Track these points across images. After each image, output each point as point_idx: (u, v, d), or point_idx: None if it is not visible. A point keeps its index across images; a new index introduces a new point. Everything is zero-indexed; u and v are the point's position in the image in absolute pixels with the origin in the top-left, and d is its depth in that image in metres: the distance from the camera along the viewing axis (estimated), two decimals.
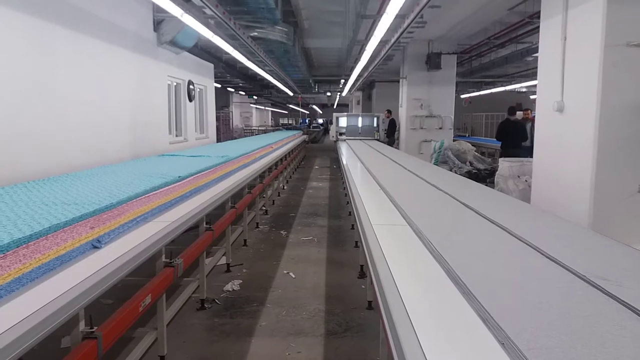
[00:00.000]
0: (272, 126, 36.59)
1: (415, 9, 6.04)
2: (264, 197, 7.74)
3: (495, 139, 10.49)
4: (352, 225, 6.53)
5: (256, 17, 8.31)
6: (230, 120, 26.06)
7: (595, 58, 4.34)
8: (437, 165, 9.84)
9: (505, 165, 6.96)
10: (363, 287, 4.33)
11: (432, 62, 12.42)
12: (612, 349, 1.31)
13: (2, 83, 4.28)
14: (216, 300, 4.07)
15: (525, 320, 1.48)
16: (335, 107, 37.17)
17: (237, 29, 7.07)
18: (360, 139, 13.89)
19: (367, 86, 22.89)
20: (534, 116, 6.86)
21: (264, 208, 7.78)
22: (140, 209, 3.02)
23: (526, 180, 6.43)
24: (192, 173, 4.49)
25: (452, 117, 13.13)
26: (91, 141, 5.80)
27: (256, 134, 23.81)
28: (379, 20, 6.50)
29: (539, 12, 5.62)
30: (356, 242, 5.74)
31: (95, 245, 2.33)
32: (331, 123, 16.38)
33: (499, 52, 13.52)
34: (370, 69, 12.73)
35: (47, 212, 2.57)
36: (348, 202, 6.89)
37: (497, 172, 7.20)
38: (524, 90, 18.41)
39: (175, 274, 2.85)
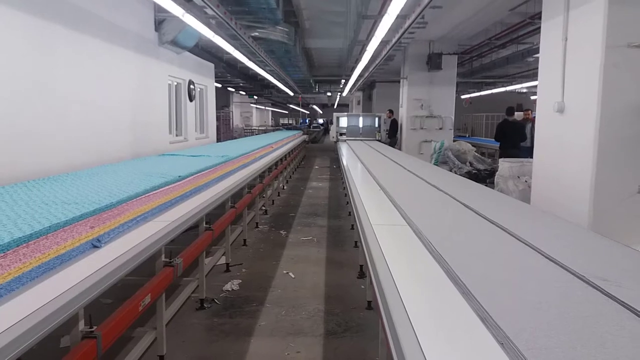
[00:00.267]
0: (272, 126, 36.59)
1: (416, 9, 6.04)
2: (263, 197, 7.74)
3: (494, 140, 10.49)
4: (352, 225, 6.53)
5: (257, 17, 8.31)
6: (231, 120, 26.06)
7: (596, 59, 4.33)
8: (437, 165, 9.84)
9: (505, 165, 6.96)
10: (362, 287, 4.33)
11: (433, 62, 12.42)
12: (611, 349, 1.31)
13: (2, 82, 4.28)
14: (215, 300, 4.07)
15: (525, 320, 1.48)
16: (335, 107, 37.18)
17: (238, 29, 7.07)
18: (361, 140, 13.67)
19: (367, 86, 22.89)
20: (535, 117, 6.85)
21: (263, 208, 7.78)
22: (140, 209, 3.02)
23: (526, 181, 6.43)
24: (192, 173, 4.49)
25: (453, 118, 13.13)
26: (91, 141, 5.80)
27: (256, 134, 23.82)
28: (380, 21, 6.50)
29: (540, 13, 5.63)
30: (356, 242, 5.74)
31: (95, 244, 2.33)
32: (331, 123, 16.12)
33: (500, 52, 13.52)
34: (371, 69, 12.73)
35: (47, 212, 2.58)
36: (348, 202, 6.89)
37: (497, 173, 7.20)
38: (524, 90, 18.40)
39: (174, 274, 2.85)
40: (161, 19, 7.80)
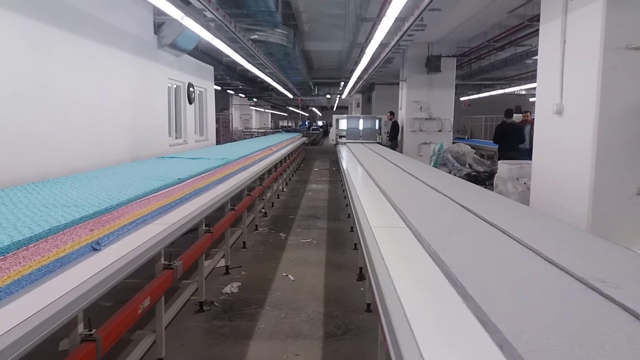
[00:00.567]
0: (271, 128, 36.62)
1: (415, 12, 6.06)
2: (263, 199, 7.74)
3: (492, 142, 10.51)
4: (352, 227, 6.53)
5: (256, 20, 8.33)
6: (230, 123, 26.07)
7: (595, 61, 4.35)
8: (436, 167, 9.84)
9: (504, 167, 6.97)
10: (362, 289, 4.33)
11: (432, 64, 12.44)
12: (610, 351, 1.32)
13: (2, 85, 4.28)
14: (215, 303, 4.07)
15: (524, 322, 1.48)
16: (334, 109, 37.23)
17: (238, 31, 7.08)
18: (361, 142, 13.41)
19: (366, 89, 22.93)
20: (533, 119, 6.87)
21: (263, 210, 7.78)
22: (139, 211, 3.02)
23: (525, 183, 6.43)
24: (192, 175, 4.49)
25: (452, 120, 13.14)
26: (91, 143, 5.80)
27: (256, 137, 23.82)
28: (379, 24, 6.52)
29: (538, 15, 5.64)
30: (355, 244, 5.74)
31: (95, 247, 2.33)
32: (331, 125, 15.83)
33: (499, 54, 13.56)
34: (370, 71, 12.76)
35: (46, 215, 2.58)
36: (347, 204, 6.90)
37: (496, 175, 7.20)
38: (523, 92, 18.45)
39: (174, 277, 2.85)
40: (160, 21, 7.81)
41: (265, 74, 13.77)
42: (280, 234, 6.55)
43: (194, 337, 3.45)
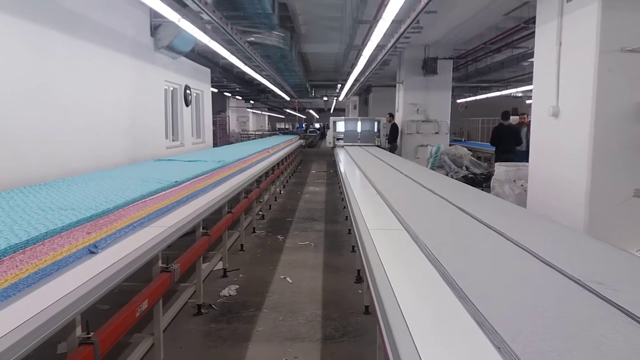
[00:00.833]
0: (268, 131, 36.61)
1: (411, 14, 6.08)
2: (260, 201, 7.74)
3: (489, 144, 10.53)
4: (349, 230, 6.54)
5: (253, 23, 8.34)
6: (227, 125, 26.04)
7: (590, 63, 4.37)
8: (433, 169, 9.86)
9: (501, 169, 6.98)
10: (360, 291, 4.33)
11: (429, 67, 12.47)
12: (607, 353, 1.32)
13: (0, 86, 4.28)
14: (213, 306, 4.06)
15: (521, 324, 1.49)
16: (332, 111, 37.25)
17: (234, 34, 7.08)
18: (359, 145, 13.17)
19: (363, 91, 22.97)
20: (530, 121, 6.90)
21: (260, 213, 7.77)
22: (136, 214, 3.02)
23: (522, 185, 6.45)
24: (189, 178, 4.49)
25: (449, 122, 13.17)
26: (88, 146, 5.79)
27: (253, 139, 23.82)
28: (376, 26, 6.53)
29: (534, 18, 5.67)
30: (353, 246, 5.74)
31: (92, 250, 2.33)
32: (328, 128, 15.47)
33: (495, 57, 13.61)
34: (366, 73, 12.78)
35: (43, 218, 2.57)
36: (345, 206, 6.90)
37: (493, 177, 7.22)
38: (519, 95, 18.51)
39: (171, 279, 2.85)
40: (157, 24, 7.81)
41: (262, 76, 13.78)
42: (278, 237, 6.54)
43: (192, 340, 3.45)
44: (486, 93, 18.69)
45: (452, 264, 2.09)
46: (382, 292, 1.82)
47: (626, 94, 4.34)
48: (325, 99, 26.81)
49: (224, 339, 3.47)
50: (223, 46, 8.02)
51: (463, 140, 20.63)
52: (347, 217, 7.00)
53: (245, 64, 10.70)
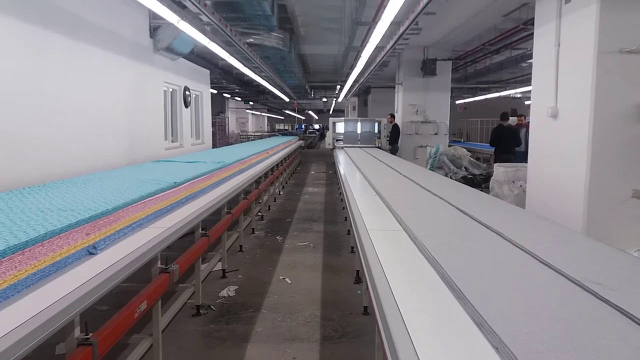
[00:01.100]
0: (268, 132, 36.63)
1: (410, 16, 6.08)
2: (259, 202, 7.74)
3: (489, 145, 10.54)
4: (348, 230, 6.54)
5: (252, 24, 8.34)
6: (226, 126, 26.07)
7: (589, 64, 4.38)
8: (432, 170, 9.86)
9: (500, 170, 6.99)
10: (359, 292, 4.33)
11: (428, 68, 12.48)
12: (605, 353, 1.33)
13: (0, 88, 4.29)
14: (212, 307, 4.06)
15: (519, 324, 1.49)
16: (331, 112, 37.27)
17: (233, 35, 7.09)
18: (359, 147, 12.72)
19: (362, 92, 22.98)
20: (529, 122, 6.91)
21: (259, 214, 7.77)
22: (136, 215, 3.02)
23: (521, 186, 6.46)
24: (188, 179, 4.49)
25: (448, 123, 13.18)
26: (87, 147, 5.79)
27: (252, 140, 23.83)
28: (375, 27, 6.55)
29: (533, 19, 5.68)
30: (352, 247, 5.74)
31: (91, 251, 2.33)
32: (327, 129, 15.11)
33: (494, 58, 13.61)
34: (366, 75, 12.79)
35: (42, 219, 2.57)
36: (344, 207, 6.90)
37: (492, 178, 7.22)
38: (518, 96, 18.52)
39: (170, 280, 2.85)
40: (156, 25, 7.82)
41: (262, 78, 13.79)
42: (277, 237, 6.54)
43: (190, 341, 3.45)
44: (485, 94, 18.71)
45: (450, 264, 2.09)
46: (381, 293, 1.82)
47: (625, 95, 4.34)
48: (325, 100, 26.82)
49: (223, 339, 3.47)
50: (222, 48, 8.03)
51: (462, 141, 20.64)
52: (346, 217, 7.00)
53: (245, 66, 10.71)
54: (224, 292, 4.38)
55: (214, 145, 13.36)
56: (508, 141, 9.11)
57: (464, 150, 11.36)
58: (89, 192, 3.55)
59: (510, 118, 9.83)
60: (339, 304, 4.12)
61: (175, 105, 9.76)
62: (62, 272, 2.07)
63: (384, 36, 6.89)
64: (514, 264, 2.18)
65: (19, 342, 1.49)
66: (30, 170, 4.68)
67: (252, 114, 35.49)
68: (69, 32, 5.35)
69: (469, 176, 10.19)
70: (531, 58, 5.79)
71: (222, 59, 9.34)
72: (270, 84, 15.91)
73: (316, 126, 48.20)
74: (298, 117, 47.84)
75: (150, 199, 3.52)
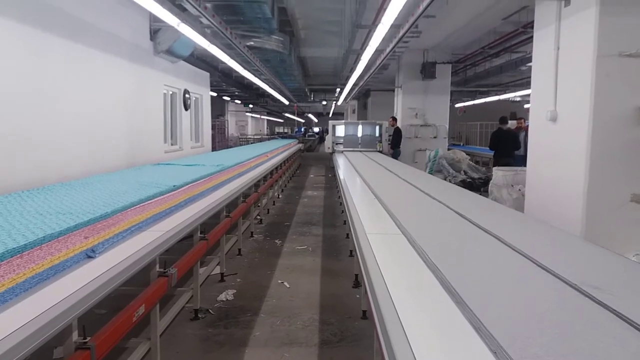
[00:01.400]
0: (267, 135, 36.66)
1: (410, 19, 6.09)
2: (258, 206, 7.73)
3: (488, 148, 10.56)
4: (347, 234, 6.53)
5: (252, 27, 8.36)
6: (226, 129, 26.09)
7: (588, 68, 4.38)
8: (431, 174, 9.87)
9: (499, 174, 6.99)
10: (357, 296, 4.32)
11: (427, 71, 12.51)
12: (602, 358, 1.32)
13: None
14: (210, 310, 4.05)
15: (518, 328, 1.49)
16: (330, 115, 37.30)
17: (234, 38, 7.10)
18: (360, 151, 12.43)
19: (362, 95, 23.00)
20: (528, 125, 6.91)
21: (258, 217, 7.77)
22: (134, 219, 3.01)
23: (520, 189, 6.46)
24: (187, 182, 4.49)
25: (447, 126, 13.20)
26: (86, 150, 5.79)
27: (252, 143, 23.83)
28: (375, 30, 6.56)
29: (532, 22, 5.69)
30: (351, 251, 5.74)
31: (90, 254, 2.33)
32: (327, 132, 14.83)
33: (494, 61, 13.64)
34: (365, 78, 12.80)
35: (41, 222, 2.57)
36: (343, 210, 6.90)
37: (491, 181, 7.22)
38: (518, 99, 18.53)
39: (169, 284, 2.84)
40: (156, 28, 7.83)
41: (261, 81, 13.80)
42: (276, 241, 6.54)
43: (189, 345, 3.44)
44: (484, 97, 18.73)
45: (449, 268, 2.09)
46: (379, 297, 1.82)
47: (624, 99, 4.35)
48: (324, 103, 26.84)
49: (221, 343, 3.46)
50: (222, 50, 8.04)
51: (461, 144, 20.64)
52: (345, 221, 6.99)
53: (245, 68, 10.72)
54: (222, 296, 4.37)
55: (214, 148, 13.37)
56: (507, 145, 9.13)
57: (463, 153, 11.36)
58: (88, 195, 3.55)
59: (510, 121, 9.85)
60: (338, 308, 4.12)
61: (175, 108, 9.77)
62: (60, 275, 2.07)
63: (383, 39, 6.90)
64: (512, 268, 2.18)
65: (17, 346, 1.48)
66: (30, 171, 4.68)
67: (252, 117, 35.52)
68: (68, 34, 5.36)
69: (468, 180, 10.19)
70: (531, 61, 5.79)
71: (222, 62, 9.35)
72: (270, 87, 15.93)
73: (316, 129, 48.24)
74: (297, 120, 47.88)
75: (149, 202, 3.52)
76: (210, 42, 7.16)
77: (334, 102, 26.33)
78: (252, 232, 6.84)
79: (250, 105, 27.97)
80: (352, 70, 12.02)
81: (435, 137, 12.86)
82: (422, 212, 3.75)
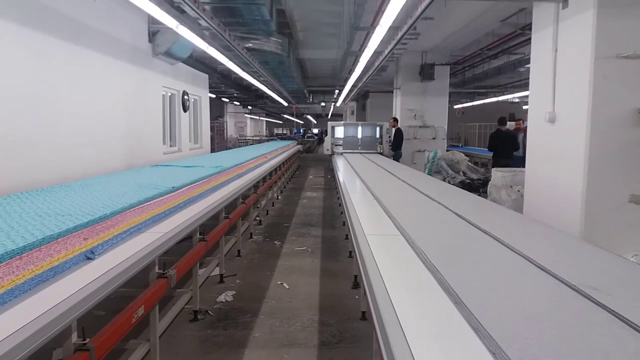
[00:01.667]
0: (266, 136, 36.66)
1: (408, 21, 6.10)
2: (258, 207, 7.74)
3: (487, 149, 10.57)
4: (346, 235, 6.54)
5: (251, 29, 8.37)
6: (225, 130, 26.09)
7: (586, 69, 4.39)
8: (430, 175, 9.88)
9: (498, 175, 7.00)
10: (357, 297, 4.33)
11: (426, 73, 12.52)
12: (601, 358, 1.33)
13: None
14: (209, 312, 4.05)
15: (516, 329, 1.50)
16: (329, 117, 37.32)
17: (232, 40, 7.11)
18: (360, 153, 12.20)
19: (361, 96, 23.03)
20: (526, 126, 6.92)
21: (257, 218, 7.77)
22: (133, 220, 3.02)
23: (519, 190, 6.47)
24: (186, 184, 4.49)
25: (446, 128, 13.21)
26: (85, 152, 5.79)
27: (250, 144, 23.83)
28: (373, 32, 6.56)
29: (530, 24, 5.70)
30: (350, 252, 5.74)
31: (89, 256, 2.33)
32: (326, 134, 14.43)
33: (492, 63, 13.66)
34: (364, 79, 12.81)
35: (40, 224, 2.57)
36: (342, 212, 6.90)
37: (490, 182, 7.24)
38: (516, 100, 18.57)
39: (168, 285, 2.84)
40: (155, 30, 7.83)
41: (260, 82, 13.80)
42: (275, 242, 6.54)
43: (188, 346, 3.44)
44: (483, 99, 18.75)
45: (448, 269, 2.10)
46: (378, 298, 1.82)
47: (622, 100, 4.36)
48: (323, 104, 26.86)
49: (220, 345, 3.47)
50: (221, 52, 8.04)
51: (460, 145, 20.66)
52: (344, 222, 7.00)
53: (243, 70, 10.73)
54: (221, 297, 4.37)
55: (213, 150, 13.37)
56: (506, 146, 9.14)
57: (462, 154, 11.38)
58: (87, 196, 3.55)
59: (508, 123, 9.85)
60: (337, 309, 4.12)
61: (174, 110, 9.77)
62: (59, 277, 2.07)
63: (382, 41, 6.91)
64: (511, 269, 2.19)
65: (16, 347, 1.49)
66: (29, 174, 4.67)
67: (251, 118, 35.53)
68: (68, 37, 5.36)
69: (467, 181, 10.20)
70: (529, 63, 5.81)
71: (221, 64, 9.36)
72: (268, 89, 15.94)
73: (315, 130, 48.22)
74: (296, 122, 47.90)
75: (148, 203, 3.52)
76: (209, 44, 7.16)
77: (333, 104, 26.34)
78: (251, 234, 6.84)
79: (249, 107, 27.97)
80: (350, 72, 12.03)
81: (434, 139, 12.88)
82: (421, 213, 3.75)
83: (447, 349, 1.43)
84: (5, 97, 4.39)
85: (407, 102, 13.01)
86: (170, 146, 9.58)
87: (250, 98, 21.98)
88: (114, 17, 6.59)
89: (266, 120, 42.58)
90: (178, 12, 5.61)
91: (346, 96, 18.40)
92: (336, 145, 13.12)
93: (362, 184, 5.54)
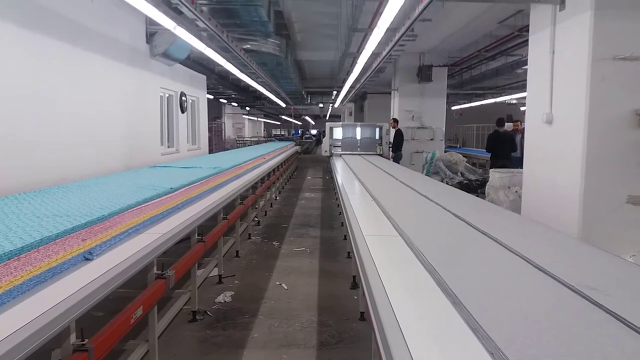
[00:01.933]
0: (264, 137, 36.65)
1: (406, 22, 6.11)
2: (256, 208, 7.73)
3: (485, 150, 10.59)
4: (345, 235, 6.54)
5: (249, 30, 8.37)
6: (223, 132, 26.08)
7: (583, 71, 4.41)
8: (428, 176, 9.89)
9: (495, 176, 7.02)
10: (355, 297, 4.33)
11: (424, 74, 12.54)
12: (600, 359, 1.33)
13: None
14: (208, 312, 4.05)
15: (515, 330, 1.50)
16: (327, 118, 37.32)
17: (230, 41, 7.11)
18: (359, 154, 11.91)
19: (359, 97, 23.04)
20: (524, 128, 6.94)
21: (256, 219, 7.77)
22: (132, 221, 3.01)
23: (516, 191, 6.48)
24: (184, 184, 4.49)
25: (443, 129, 13.23)
26: (83, 152, 5.78)
27: (249, 145, 23.81)
28: (371, 34, 6.57)
29: (528, 26, 5.71)
30: (348, 252, 5.74)
31: (87, 257, 2.33)
32: (324, 135, 14.07)
33: (490, 64, 13.70)
34: (362, 81, 12.81)
35: (38, 225, 2.57)
36: (340, 212, 6.90)
37: (488, 183, 7.25)
38: (514, 102, 18.63)
39: (166, 286, 2.84)
40: (153, 31, 7.83)
41: (258, 83, 13.80)
42: (274, 243, 6.54)
43: (187, 347, 3.44)
44: (481, 100, 18.79)
45: (446, 270, 2.10)
46: (377, 299, 1.83)
47: (619, 102, 4.37)
48: (321, 105, 26.88)
49: (219, 345, 3.46)
50: (219, 53, 8.04)
51: (458, 146, 20.70)
52: (342, 223, 7.00)
53: (241, 71, 10.73)
54: (220, 298, 4.37)
55: (211, 151, 13.35)
56: (504, 147, 9.15)
57: (460, 155, 11.40)
58: (85, 197, 3.55)
59: (506, 124, 9.87)
60: (336, 310, 4.12)
61: (172, 111, 9.77)
62: (58, 278, 2.07)
63: (380, 42, 6.91)
64: (509, 269, 2.19)
65: (14, 348, 1.48)
66: (27, 175, 4.66)
67: (249, 119, 35.52)
68: (67, 38, 5.36)
69: (465, 182, 10.22)
70: (526, 64, 5.82)
71: (219, 65, 9.35)
72: (266, 90, 15.93)
73: (313, 132, 48.19)
74: (294, 123, 47.90)
75: (146, 204, 3.52)
76: (207, 45, 7.16)
77: (331, 105, 26.35)
78: (249, 234, 6.84)
79: (247, 108, 27.96)
80: (348, 73, 12.03)
81: (432, 140, 12.89)
82: (419, 214, 3.76)
83: (446, 350, 1.43)
84: (5, 97, 4.39)
85: (405, 104, 13.02)
86: (168, 147, 9.58)
87: (248, 99, 21.97)
88: (111, 18, 6.59)
89: (264, 122, 42.57)
90: (175, 13, 5.61)
91: (344, 97, 18.41)
92: (335, 146, 12.88)
93: (361, 185, 5.54)
